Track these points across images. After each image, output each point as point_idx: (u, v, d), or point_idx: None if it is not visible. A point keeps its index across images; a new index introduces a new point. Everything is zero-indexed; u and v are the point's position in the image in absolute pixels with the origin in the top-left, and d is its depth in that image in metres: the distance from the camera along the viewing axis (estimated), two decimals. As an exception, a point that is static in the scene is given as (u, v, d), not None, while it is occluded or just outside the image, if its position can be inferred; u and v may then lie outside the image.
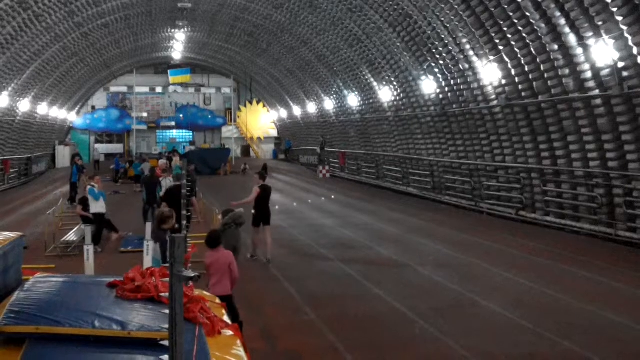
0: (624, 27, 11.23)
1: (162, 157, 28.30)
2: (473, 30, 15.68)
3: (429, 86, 19.70)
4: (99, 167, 33.46)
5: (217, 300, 4.54)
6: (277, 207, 17.44)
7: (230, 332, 3.72)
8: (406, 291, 9.28)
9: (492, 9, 14.40)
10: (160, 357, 2.96)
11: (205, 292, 4.73)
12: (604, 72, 12.29)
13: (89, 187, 13.04)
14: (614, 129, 12.68)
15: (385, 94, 23.38)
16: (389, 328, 7.65)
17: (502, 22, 14.42)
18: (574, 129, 13.80)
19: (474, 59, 16.65)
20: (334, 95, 29.63)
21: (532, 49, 13.98)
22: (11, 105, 24.47)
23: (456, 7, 15.65)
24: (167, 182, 14.63)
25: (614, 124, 12.62)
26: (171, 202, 11.43)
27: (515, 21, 13.92)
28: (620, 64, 11.78)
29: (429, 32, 17.91)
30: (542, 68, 14.03)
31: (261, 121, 45.29)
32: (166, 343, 2.54)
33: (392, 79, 22.41)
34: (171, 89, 45.43)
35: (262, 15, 26.57)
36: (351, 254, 12.10)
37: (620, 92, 11.92)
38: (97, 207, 12.66)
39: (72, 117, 40.86)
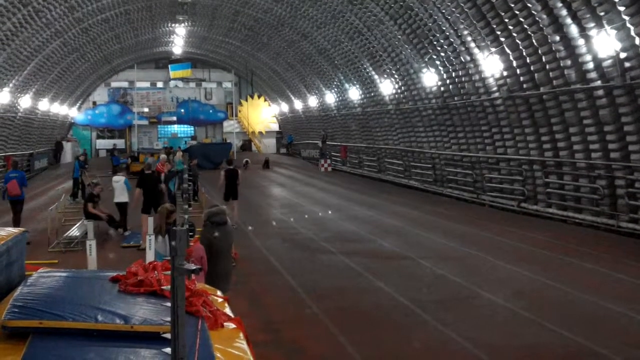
0: (626, 18, 11.18)
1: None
2: (474, 21, 15.61)
3: (430, 78, 19.64)
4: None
5: (219, 294, 4.56)
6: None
7: (232, 325, 3.73)
8: (408, 283, 9.29)
9: (494, 0, 14.33)
10: (163, 350, 2.98)
11: (207, 286, 4.74)
12: (606, 63, 12.24)
13: (124, 178, 13.82)
14: (616, 120, 12.64)
15: (387, 87, 23.33)
16: (391, 320, 7.67)
17: (503, 14, 14.36)
18: (576, 120, 13.77)
19: (476, 50, 16.59)
20: (335, 89, 29.57)
21: (533, 40, 13.92)
22: (12, 102, 24.47)
23: (457, -2, 15.58)
24: None
25: (616, 114, 12.59)
26: (144, 187, 12.66)
27: (517, 12, 13.86)
28: (622, 55, 11.74)
29: (430, 24, 17.84)
30: (543, 59, 13.97)
31: (262, 115, 45.23)
32: (168, 336, 2.55)
33: (393, 72, 22.35)
34: (172, 83, 45.37)
35: (263, 8, 26.49)
36: (353, 247, 12.12)
37: (623, 83, 11.88)
38: (126, 196, 13.50)
39: (73, 112, 40.85)
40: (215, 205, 7.44)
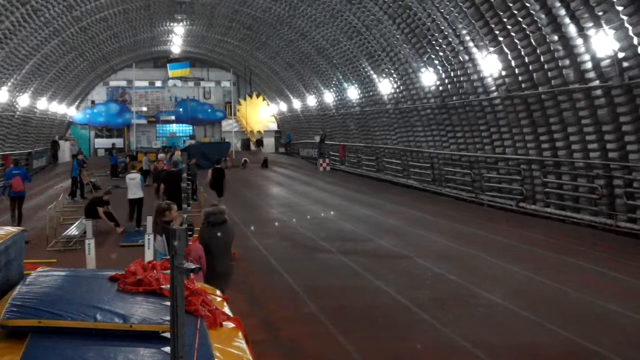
0: (624, 17, 11.20)
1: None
2: (473, 21, 15.62)
3: (428, 78, 19.65)
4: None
5: (219, 293, 4.56)
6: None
7: (231, 325, 3.73)
8: (406, 283, 9.30)
9: (492, 0, 14.34)
10: (162, 349, 2.98)
11: (206, 285, 4.74)
12: (605, 63, 12.26)
13: (139, 175, 14.84)
14: (614, 120, 12.66)
15: (385, 87, 23.33)
16: (390, 319, 7.68)
17: (501, 13, 14.37)
18: (574, 120, 13.79)
19: (474, 50, 16.60)
20: (334, 88, 29.57)
21: (532, 40, 13.93)
22: (11, 101, 24.43)
23: (456, -2, 15.58)
24: None
25: (615, 114, 12.60)
26: (170, 185, 13.54)
27: (515, 12, 13.87)
28: (621, 55, 11.75)
29: (429, 23, 17.84)
30: (542, 59, 13.99)
31: (261, 115, 45.21)
32: (168, 335, 2.55)
33: (392, 71, 22.35)
34: (170, 82, 45.28)
35: (261, 7, 26.48)
36: (352, 246, 12.13)
37: (621, 83, 11.90)
38: (141, 193, 14.31)
39: (71, 111, 40.79)
40: (214, 205, 7.45)
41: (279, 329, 7.43)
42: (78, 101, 41.85)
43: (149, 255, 8.41)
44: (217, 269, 6.91)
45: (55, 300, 3.38)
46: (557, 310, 7.79)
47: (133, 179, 14.56)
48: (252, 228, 14.38)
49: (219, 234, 6.98)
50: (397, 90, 22.70)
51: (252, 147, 45.34)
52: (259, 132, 45.50)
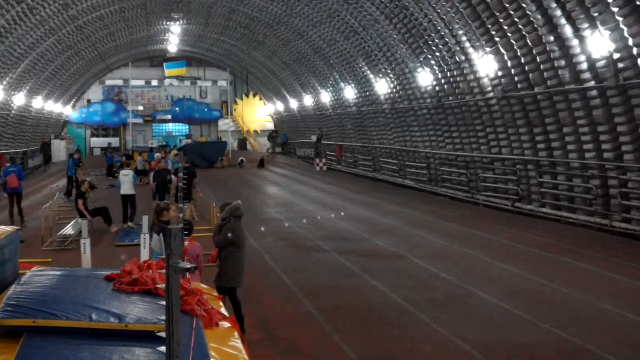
0: (620, 18, 11.24)
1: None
2: (469, 21, 15.65)
3: (425, 78, 19.67)
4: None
5: (215, 293, 4.56)
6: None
7: (227, 324, 3.73)
8: (402, 282, 9.32)
9: (489, 0, 14.38)
10: (158, 348, 2.97)
11: (202, 285, 4.74)
12: (600, 64, 12.30)
13: (132, 172, 15.26)
14: (609, 120, 12.71)
15: (382, 86, 23.35)
16: (386, 319, 7.69)
17: (498, 14, 14.40)
18: (570, 120, 13.83)
19: (470, 50, 16.63)
20: (331, 88, 29.57)
21: (528, 41, 13.97)
22: (6, 99, 24.34)
23: (452, -2, 15.60)
24: None
25: (610, 115, 12.65)
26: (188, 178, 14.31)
27: (512, 12, 13.90)
28: (616, 55, 11.79)
29: (425, 23, 17.86)
30: (538, 59, 14.03)
31: (257, 114, 45.17)
32: (163, 335, 2.55)
33: (389, 71, 22.37)
34: (167, 82, 45.18)
35: (258, 7, 26.46)
36: (348, 246, 12.14)
37: (616, 84, 11.94)
38: (133, 189, 14.74)
39: (67, 110, 40.65)
40: (228, 203, 7.47)
41: (274, 328, 7.44)
42: (74, 100, 41.71)
43: (144, 255, 8.40)
44: (242, 261, 7.09)
45: (50, 300, 3.37)
46: (553, 310, 7.81)
47: (126, 175, 15.04)
48: (248, 227, 14.34)
49: (229, 234, 7.06)
50: (394, 90, 22.71)
51: (250, 145, 45.16)
52: (255, 131, 45.46)
